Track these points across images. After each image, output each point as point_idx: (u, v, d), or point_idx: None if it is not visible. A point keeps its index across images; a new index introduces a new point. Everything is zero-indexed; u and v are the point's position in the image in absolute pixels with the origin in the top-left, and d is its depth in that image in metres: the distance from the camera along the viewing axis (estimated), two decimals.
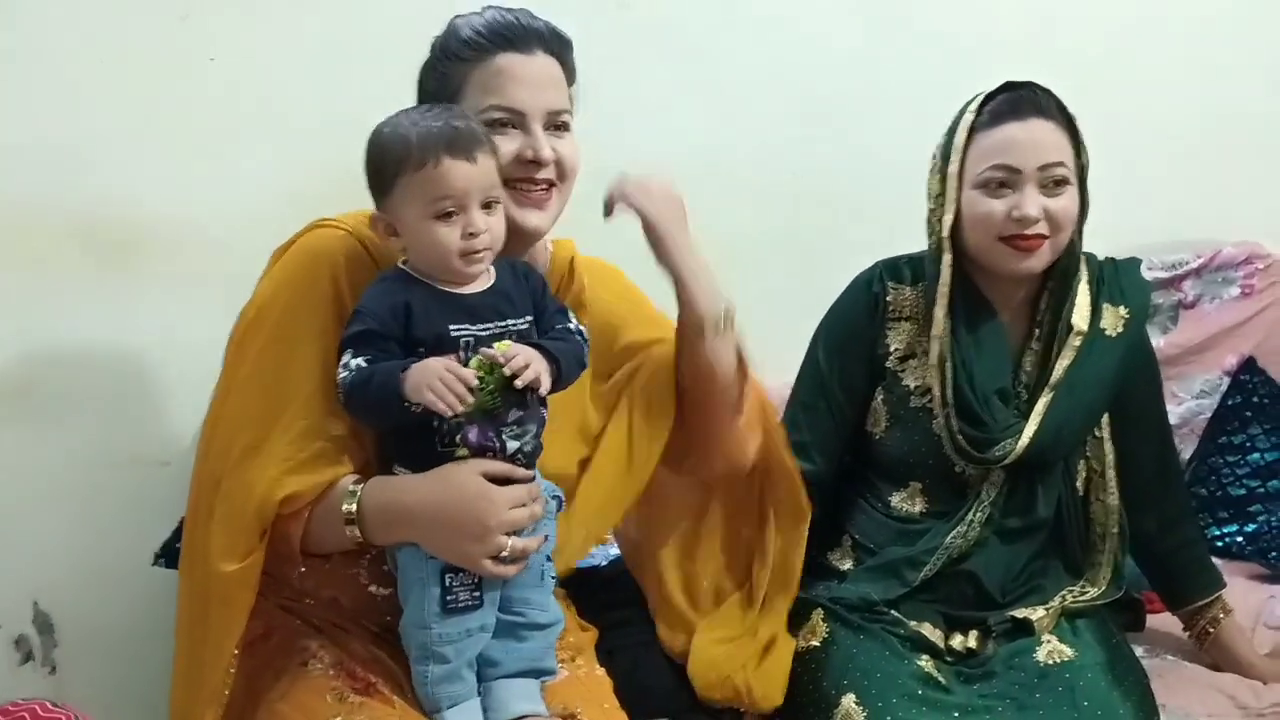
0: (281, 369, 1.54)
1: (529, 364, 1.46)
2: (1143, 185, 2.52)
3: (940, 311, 1.87)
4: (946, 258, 1.87)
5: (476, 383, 1.43)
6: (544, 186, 1.62)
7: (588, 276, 1.80)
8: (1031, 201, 1.81)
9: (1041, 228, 1.81)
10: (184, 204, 1.97)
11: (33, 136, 1.88)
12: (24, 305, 1.89)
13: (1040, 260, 1.85)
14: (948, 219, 1.86)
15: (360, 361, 1.46)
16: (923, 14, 2.46)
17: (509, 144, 1.59)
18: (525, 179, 1.61)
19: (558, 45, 1.65)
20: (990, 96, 1.86)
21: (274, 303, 1.58)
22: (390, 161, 1.49)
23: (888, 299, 1.96)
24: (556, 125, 1.63)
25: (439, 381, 1.41)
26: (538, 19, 1.64)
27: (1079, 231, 1.88)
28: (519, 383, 1.45)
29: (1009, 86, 1.86)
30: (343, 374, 1.47)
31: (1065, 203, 1.83)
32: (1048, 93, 1.85)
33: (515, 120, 1.60)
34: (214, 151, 1.99)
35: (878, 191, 2.38)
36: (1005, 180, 1.82)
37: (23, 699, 1.61)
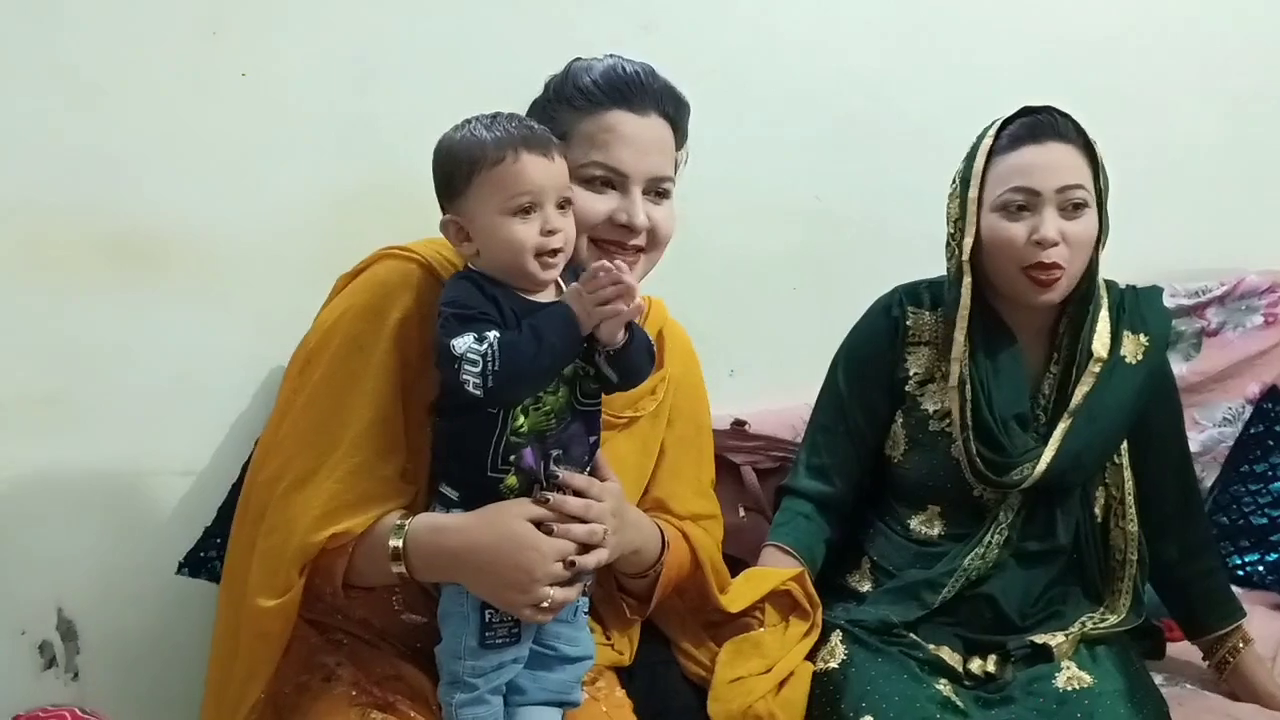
0: (338, 402, 1.51)
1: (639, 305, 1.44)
2: (1166, 212, 2.52)
3: (960, 334, 1.87)
4: (966, 280, 1.86)
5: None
6: (632, 251, 1.60)
7: (675, 356, 1.80)
8: (1050, 223, 1.80)
9: (1060, 252, 1.81)
10: (213, 217, 1.99)
11: (64, 149, 1.90)
12: (53, 315, 1.90)
13: (1059, 292, 1.84)
14: (968, 242, 1.86)
15: (494, 335, 1.39)
16: (945, 40, 2.47)
17: (605, 204, 1.57)
18: (615, 241, 1.59)
19: (673, 108, 1.62)
20: (1008, 121, 1.86)
21: (337, 332, 1.55)
22: (465, 161, 1.45)
23: (907, 323, 1.97)
24: (656, 191, 1.61)
25: (594, 302, 1.40)
26: (658, 78, 1.61)
27: (1097, 256, 1.87)
28: (629, 304, 1.42)
29: (1027, 111, 1.86)
30: (479, 358, 1.38)
31: (1083, 226, 1.82)
32: (1066, 116, 1.84)
33: (616, 181, 1.58)
34: (243, 165, 2.00)
35: (899, 215, 2.39)
36: (1024, 203, 1.82)
37: (50, 705, 1.62)
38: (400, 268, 1.57)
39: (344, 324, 1.55)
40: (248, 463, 1.75)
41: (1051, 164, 1.82)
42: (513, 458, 1.45)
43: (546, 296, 1.50)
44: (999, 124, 1.87)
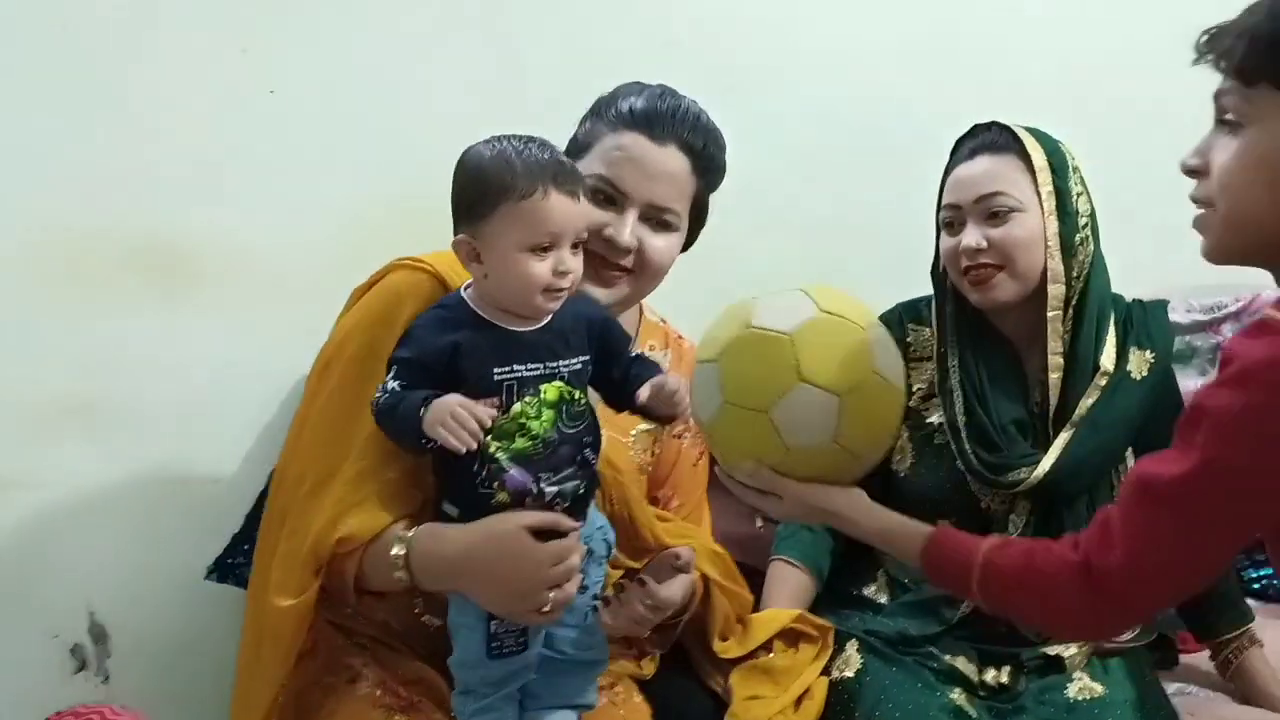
0: (351, 409, 1.55)
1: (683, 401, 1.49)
2: (1181, 229, 2.51)
3: (934, 341, 1.96)
4: (939, 290, 1.98)
5: (488, 422, 1.42)
6: (617, 270, 1.63)
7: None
8: (970, 234, 1.88)
9: (990, 257, 1.87)
10: (242, 232, 2.02)
11: (97, 165, 1.94)
12: (87, 327, 1.94)
13: (1002, 291, 1.89)
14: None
15: (396, 385, 1.45)
16: (964, 55, 2.49)
17: (600, 216, 1.61)
18: (600, 255, 1.62)
19: (700, 146, 1.65)
20: (962, 140, 1.96)
21: (350, 341, 1.59)
22: (492, 187, 1.44)
23: (908, 340, 2.01)
24: (657, 221, 1.64)
25: (450, 419, 1.40)
26: (695, 119, 1.65)
27: (1060, 255, 1.88)
28: (679, 411, 1.49)
29: (976, 130, 1.94)
30: (378, 395, 1.46)
31: (1009, 230, 1.86)
32: (1005, 129, 1.91)
33: (615, 197, 1.61)
34: (272, 181, 2.04)
35: (918, 228, 2.39)
36: (953, 218, 1.92)
37: (85, 705, 1.65)
38: (411, 278, 1.61)
39: (357, 333, 1.59)
40: (274, 471, 1.79)
41: (972, 178, 1.90)
42: (495, 484, 1.46)
43: (533, 324, 1.51)
44: (955, 144, 1.96)
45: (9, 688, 1.91)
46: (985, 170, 1.89)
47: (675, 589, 1.62)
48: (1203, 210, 1.32)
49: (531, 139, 1.49)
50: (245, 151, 2.03)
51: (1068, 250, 1.88)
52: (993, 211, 1.87)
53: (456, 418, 1.40)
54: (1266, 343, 1.12)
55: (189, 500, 2.03)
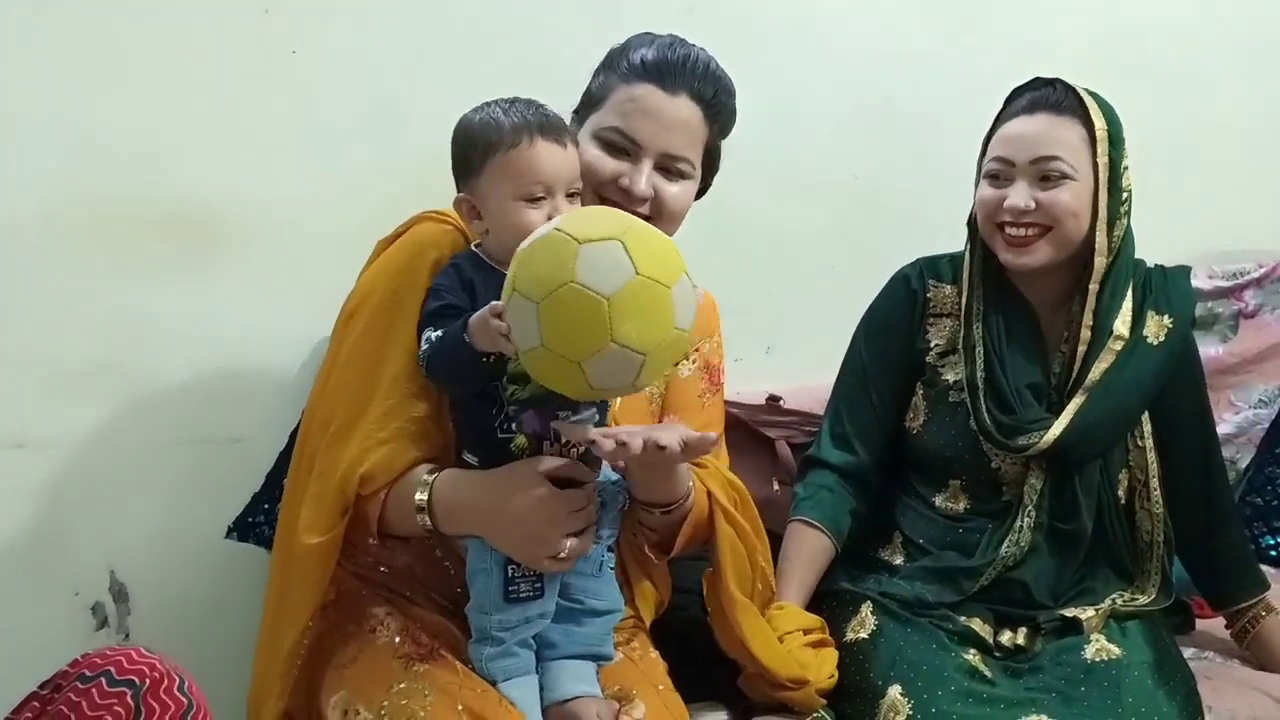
0: (376, 354, 1.59)
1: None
2: (1205, 194, 2.52)
3: (963, 296, 1.93)
4: (971, 242, 1.95)
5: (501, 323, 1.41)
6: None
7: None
8: (1019, 193, 1.85)
9: (1036, 218, 1.84)
10: (263, 194, 2.03)
11: (119, 129, 1.94)
12: (110, 289, 1.95)
13: (1037, 257, 1.87)
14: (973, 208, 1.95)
15: (439, 334, 1.50)
16: (986, 20, 2.48)
17: (614, 166, 1.64)
18: (618, 204, 1.63)
19: (711, 95, 1.67)
20: (1020, 91, 1.90)
21: (374, 290, 1.63)
22: (481, 143, 1.51)
23: (928, 295, 2.00)
24: (670, 169, 1.66)
25: (477, 326, 1.42)
26: (702, 64, 1.66)
27: (1108, 232, 1.87)
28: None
29: (1036, 83, 1.89)
30: (424, 348, 1.51)
31: (1059, 196, 1.84)
32: (1070, 89, 1.87)
33: (629, 149, 1.64)
34: (293, 144, 2.04)
35: (937, 194, 2.39)
36: (1001, 172, 1.87)
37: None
38: (436, 229, 1.66)
39: (382, 281, 1.63)
40: (295, 430, 1.80)
41: (1031, 135, 1.86)
42: (514, 425, 1.50)
43: None
44: (1011, 93, 1.92)
45: (30, 645, 1.92)
46: (1044, 130, 1.85)
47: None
48: None
49: (518, 99, 1.56)
50: (268, 114, 2.03)
51: (1111, 224, 1.86)
52: (1045, 174, 1.85)
53: (481, 320, 1.41)
54: None
55: (210, 460, 2.04)
